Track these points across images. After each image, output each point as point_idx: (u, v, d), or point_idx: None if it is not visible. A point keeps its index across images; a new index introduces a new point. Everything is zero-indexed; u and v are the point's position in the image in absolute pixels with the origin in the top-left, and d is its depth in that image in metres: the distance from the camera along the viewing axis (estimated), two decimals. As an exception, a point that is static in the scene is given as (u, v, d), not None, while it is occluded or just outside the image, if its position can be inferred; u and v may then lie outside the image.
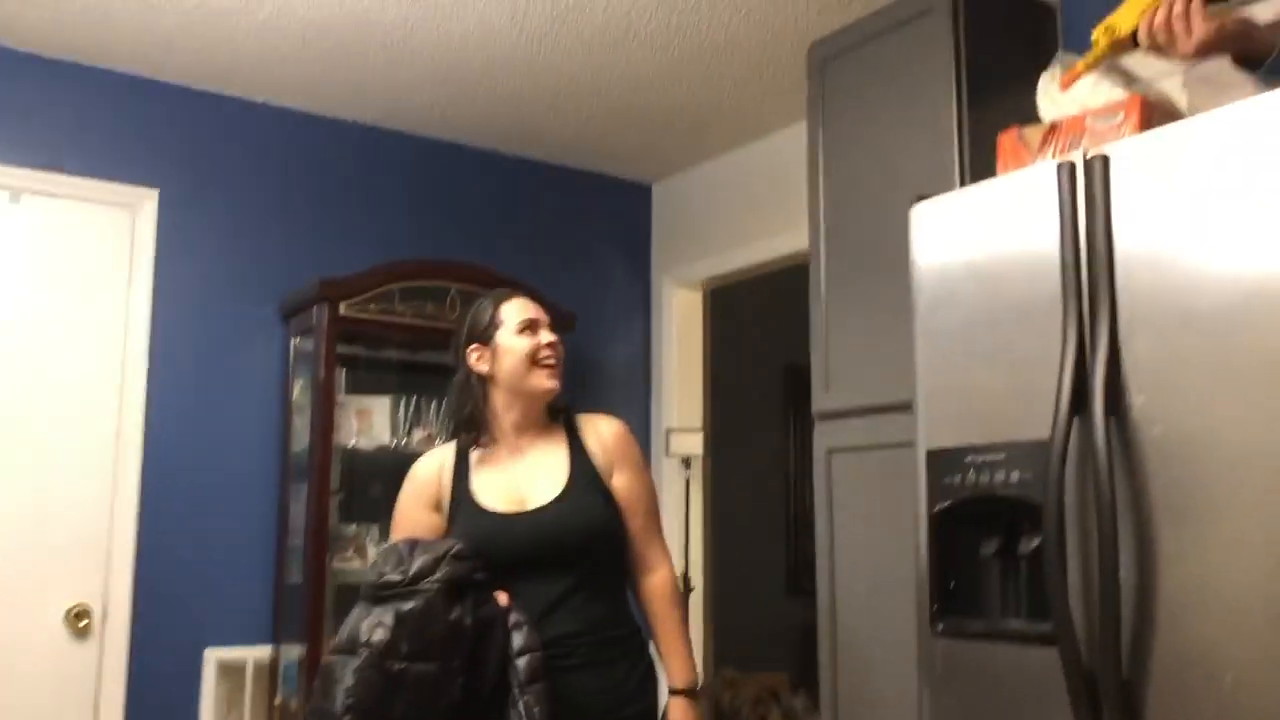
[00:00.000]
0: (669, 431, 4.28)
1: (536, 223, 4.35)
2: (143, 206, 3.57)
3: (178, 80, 3.63)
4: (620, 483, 2.22)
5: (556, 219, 4.40)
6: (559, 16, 3.18)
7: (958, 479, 1.89)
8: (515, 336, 2.24)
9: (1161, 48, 1.81)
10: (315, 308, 3.54)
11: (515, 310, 2.28)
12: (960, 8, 2.48)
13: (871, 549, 2.49)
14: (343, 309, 3.53)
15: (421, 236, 4.02)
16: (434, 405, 3.73)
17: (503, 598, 2.05)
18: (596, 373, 4.37)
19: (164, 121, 3.64)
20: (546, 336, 2.25)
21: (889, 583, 2.37)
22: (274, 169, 3.83)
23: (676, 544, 4.27)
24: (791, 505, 5.54)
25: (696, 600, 4.23)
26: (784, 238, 3.82)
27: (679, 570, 4.17)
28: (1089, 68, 1.95)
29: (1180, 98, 1.96)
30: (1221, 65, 1.91)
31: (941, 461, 1.93)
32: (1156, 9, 1.78)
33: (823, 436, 2.66)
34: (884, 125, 2.61)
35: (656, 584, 2.24)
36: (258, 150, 3.81)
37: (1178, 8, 1.75)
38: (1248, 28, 1.78)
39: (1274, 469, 1.49)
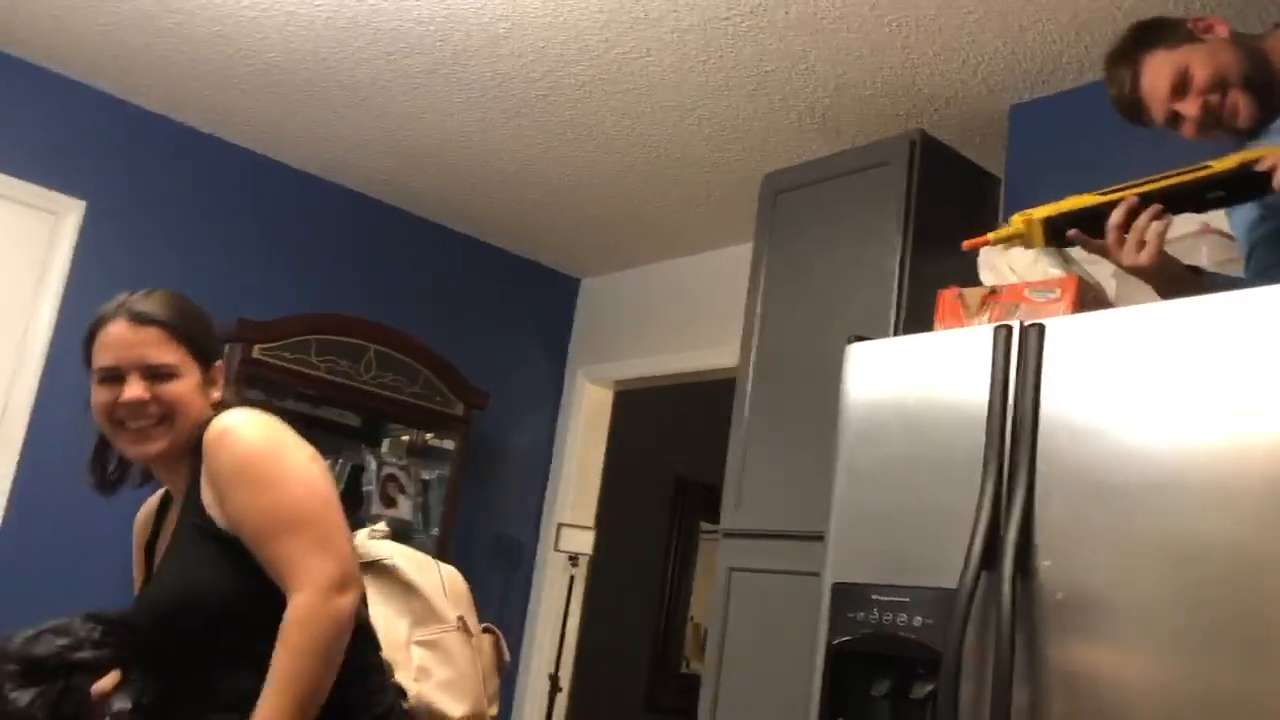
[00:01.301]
0: (560, 526, 4.25)
1: (464, 298, 4.35)
2: (67, 215, 3.47)
3: (129, 97, 3.58)
4: (234, 509, 1.52)
5: (484, 298, 4.41)
6: (526, 105, 3.24)
7: (861, 615, 1.92)
8: (95, 386, 1.61)
9: (1099, 248, 1.80)
10: (228, 347, 3.45)
11: (98, 350, 1.61)
12: (915, 165, 2.61)
13: (760, 672, 2.50)
14: (256, 352, 3.46)
15: (346, 293, 3.98)
16: (329, 464, 3.63)
17: (105, 683, 1.55)
18: (499, 454, 4.34)
19: (104, 136, 3.57)
20: (133, 390, 1.57)
21: (774, 709, 2.37)
22: (210, 202, 3.78)
23: (551, 641, 4.21)
24: (663, 620, 5.51)
25: (562, 702, 4.15)
26: (704, 353, 3.89)
27: (550, 669, 4.11)
28: (997, 241, 1.93)
29: (1109, 284, 2.09)
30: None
31: (847, 596, 1.95)
32: (1115, 208, 1.76)
33: (726, 554, 2.68)
34: (828, 262, 2.71)
35: (287, 615, 1.46)
36: (196, 181, 3.75)
37: (1142, 221, 1.74)
38: (1184, 276, 1.83)
39: (1163, 647, 1.55)
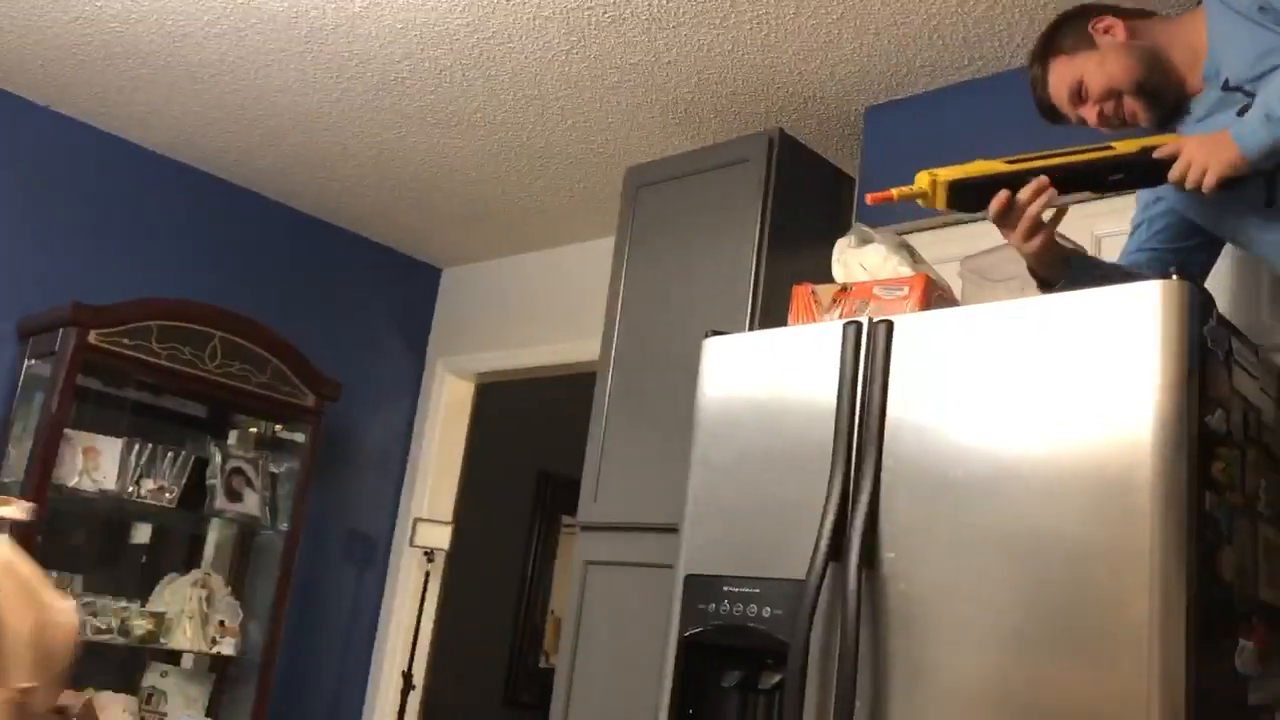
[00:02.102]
0: (417, 521, 4.17)
1: (318, 285, 4.22)
2: (-120, 187, 3.23)
3: (-48, 62, 3.35)
4: None
5: (339, 286, 4.29)
6: (385, 87, 3.16)
7: (712, 607, 1.93)
8: None
9: (999, 223, 1.83)
10: (62, 331, 3.27)
11: None
12: (774, 163, 2.64)
13: (615, 667, 2.49)
14: (93, 337, 3.28)
15: (191, 278, 3.81)
16: (171, 456, 3.49)
17: None
18: (354, 448, 4.23)
19: (-74, 102, 3.34)
20: None
21: (627, 704, 2.37)
22: (44, 179, 3.57)
23: (405, 640, 4.12)
24: (522, 615, 5.47)
25: (414, 701, 4.07)
26: (567, 346, 3.87)
27: (403, 667, 4.02)
28: (901, 197, 1.91)
29: (956, 283, 2.15)
30: (993, 261, 2.11)
31: (698, 588, 1.96)
32: (1020, 179, 1.79)
33: (584, 547, 2.66)
34: (687, 257, 2.72)
35: None
36: (28, 157, 3.54)
37: (1034, 209, 1.78)
38: (1068, 260, 1.88)
39: (1001, 637, 1.60)
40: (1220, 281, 1.77)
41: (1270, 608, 1.67)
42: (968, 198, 1.85)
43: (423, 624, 4.13)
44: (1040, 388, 1.66)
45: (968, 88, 2.69)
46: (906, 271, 2.13)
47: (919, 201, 1.87)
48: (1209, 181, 1.65)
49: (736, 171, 2.69)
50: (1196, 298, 1.61)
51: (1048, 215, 1.81)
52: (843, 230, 2.34)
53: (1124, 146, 1.78)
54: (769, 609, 1.85)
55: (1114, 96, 1.83)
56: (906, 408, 1.80)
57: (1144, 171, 1.76)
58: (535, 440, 5.25)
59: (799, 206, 2.69)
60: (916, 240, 2.35)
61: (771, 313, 2.45)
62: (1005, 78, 2.62)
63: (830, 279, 2.26)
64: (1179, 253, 1.94)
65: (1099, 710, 1.48)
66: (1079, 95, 1.87)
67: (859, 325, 1.90)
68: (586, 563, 2.65)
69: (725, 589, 1.91)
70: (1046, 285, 1.90)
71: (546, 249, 4.22)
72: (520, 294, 4.26)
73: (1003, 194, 1.80)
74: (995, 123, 2.59)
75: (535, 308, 4.16)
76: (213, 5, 2.85)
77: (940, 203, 1.85)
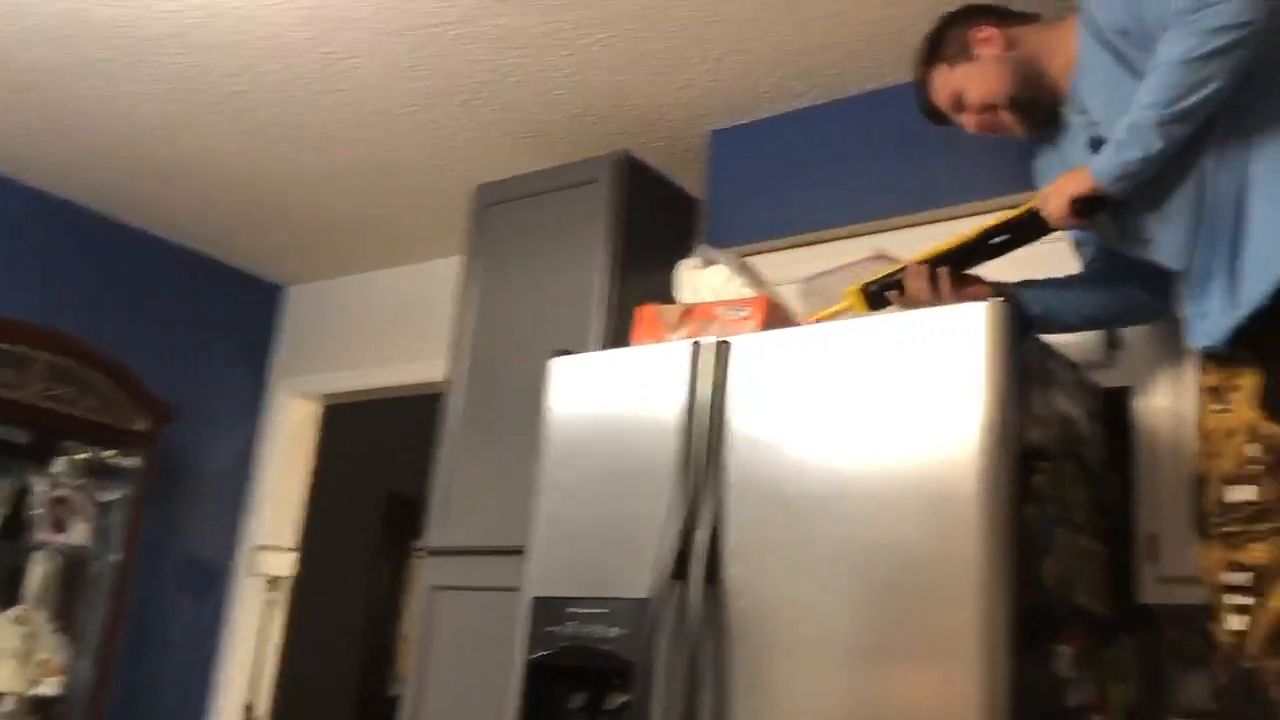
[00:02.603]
0: (258, 548, 4.02)
1: (151, 304, 4.04)
2: None
3: None
4: None
5: (175, 305, 4.11)
6: (223, 100, 3.06)
7: (559, 629, 1.92)
8: None
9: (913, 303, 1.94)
10: None
11: None
12: (622, 185, 2.66)
13: (462, 693, 2.45)
14: (-100, 360, 3.06)
15: (12, 297, 3.60)
16: (-11, 484, 3.28)
17: None
18: (192, 473, 4.06)
19: None
20: None
21: (473, 729, 2.34)
22: None
23: (247, 671, 3.97)
24: (372, 641, 5.35)
25: (257, 733, 3.92)
26: (417, 366, 3.80)
27: (245, 699, 3.87)
28: (833, 315, 2.03)
29: (797, 304, 2.20)
30: (834, 282, 2.17)
31: (545, 610, 1.95)
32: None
33: (430, 572, 2.62)
34: (536, 277, 2.71)
35: None
36: None
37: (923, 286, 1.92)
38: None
39: (840, 650, 1.64)
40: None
41: (1087, 613, 1.76)
42: (879, 299, 1.98)
43: (266, 654, 3.98)
44: (874, 405, 1.72)
45: (810, 113, 2.77)
46: (749, 292, 2.17)
47: (850, 315, 2.01)
48: (1053, 208, 1.73)
49: (585, 192, 2.70)
50: (1018, 318, 1.70)
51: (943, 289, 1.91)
52: (689, 251, 2.37)
53: (1002, 217, 1.87)
54: (615, 629, 1.85)
55: (990, 108, 1.92)
56: (748, 426, 1.84)
57: (1027, 225, 1.84)
58: (385, 463, 5.14)
59: (646, 228, 2.72)
60: (761, 262, 2.41)
61: (620, 333, 2.47)
62: (846, 104, 2.70)
63: (676, 301, 2.29)
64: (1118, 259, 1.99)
65: (932, 715, 1.53)
66: (959, 105, 1.95)
67: (701, 345, 1.93)
68: (433, 588, 2.61)
69: (572, 610, 1.91)
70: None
71: (394, 267, 4.14)
72: (367, 313, 4.17)
73: (894, 293, 1.96)
74: (837, 147, 2.67)
75: (383, 327, 4.08)
76: (31, 11, 2.71)
77: (862, 309, 2.00)
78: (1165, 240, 1.71)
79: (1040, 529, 1.65)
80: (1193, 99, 1.58)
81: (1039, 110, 1.91)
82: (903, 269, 1.95)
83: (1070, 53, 1.84)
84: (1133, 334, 2.10)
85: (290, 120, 3.14)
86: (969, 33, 1.94)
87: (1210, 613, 1.63)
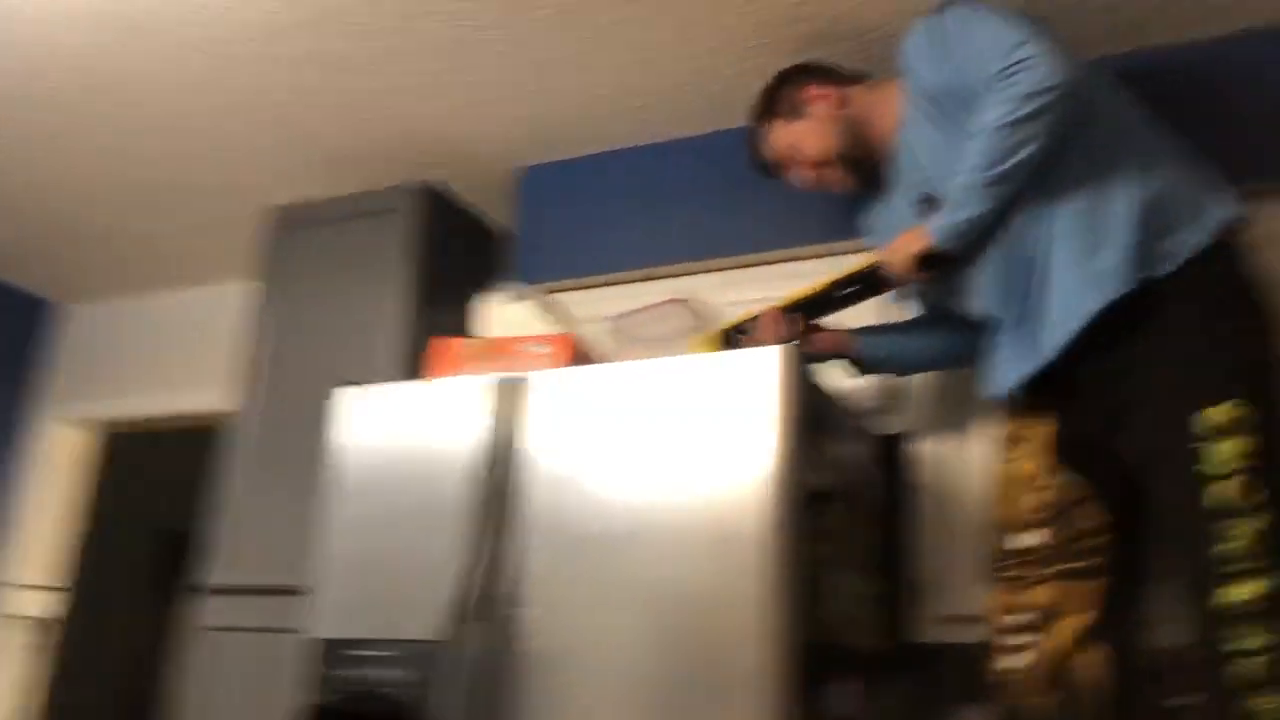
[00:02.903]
0: (14, 587, 3.70)
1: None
2: None
3: None
4: None
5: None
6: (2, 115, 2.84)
7: (340, 672, 1.84)
8: None
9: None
10: None
11: None
12: (423, 215, 2.62)
13: (234, 742, 2.32)
14: None
15: None
16: None
17: None
18: (-62, 506, 3.71)
19: None
20: None
21: (245, 781, 2.21)
22: None
23: (4, 716, 3.64)
24: (143, 683, 5.00)
25: (4, 791, 3.60)
26: (202, 394, 3.60)
27: (-10, 753, 3.54)
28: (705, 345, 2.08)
29: (604, 342, 2.21)
30: (639, 321, 2.19)
31: (326, 652, 1.87)
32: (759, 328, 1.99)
33: (206, 613, 2.47)
34: (332, 306, 2.62)
35: None
36: None
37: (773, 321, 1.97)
38: (845, 342, 2.06)
39: (632, 689, 1.63)
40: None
41: (866, 652, 1.82)
42: (735, 340, 2.03)
43: (23, 699, 3.66)
44: (670, 444, 1.73)
45: (621, 155, 2.79)
46: (551, 329, 2.17)
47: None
48: (896, 266, 1.82)
49: (386, 220, 2.64)
50: (808, 364, 1.75)
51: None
52: (492, 286, 2.35)
53: (850, 270, 1.95)
54: (400, 672, 1.79)
55: (822, 165, 2.00)
56: (546, 464, 1.82)
57: (871, 280, 1.93)
58: (164, 497, 4.84)
59: (448, 260, 2.68)
60: (567, 299, 2.41)
61: (418, 366, 2.41)
62: (656, 149, 2.74)
63: (479, 334, 2.26)
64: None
65: (717, 757, 1.54)
66: (792, 160, 2.04)
67: (500, 380, 1.91)
68: (209, 629, 2.46)
69: (356, 653, 1.84)
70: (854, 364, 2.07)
71: (181, 289, 3.92)
72: (149, 336, 3.93)
73: (747, 338, 1.99)
74: (647, 190, 2.70)
75: (167, 352, 3.85)
76: None
77: (717, 347, 2.04)
78: (980, 291, 1.81)
79: (821, 569, 1.70)
80: (1011, 161, 1.67)
81: (867, 167, 2.00)
82: (757, 316, 2.00)
83: (895, 112, 1.93)
84: (915, 382, 2.20)
85: (69, 129, 2.94)
86: (803, 91, 2.03)
87: (991, 651, 1.72)
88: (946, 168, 1.78)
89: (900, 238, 1.84)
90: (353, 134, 2.85)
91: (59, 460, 3.96)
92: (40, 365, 4.10)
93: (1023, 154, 1.67)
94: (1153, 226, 1.66)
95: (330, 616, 1.91)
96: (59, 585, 3.84)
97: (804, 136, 2.01)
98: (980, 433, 2.09)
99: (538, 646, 1.71)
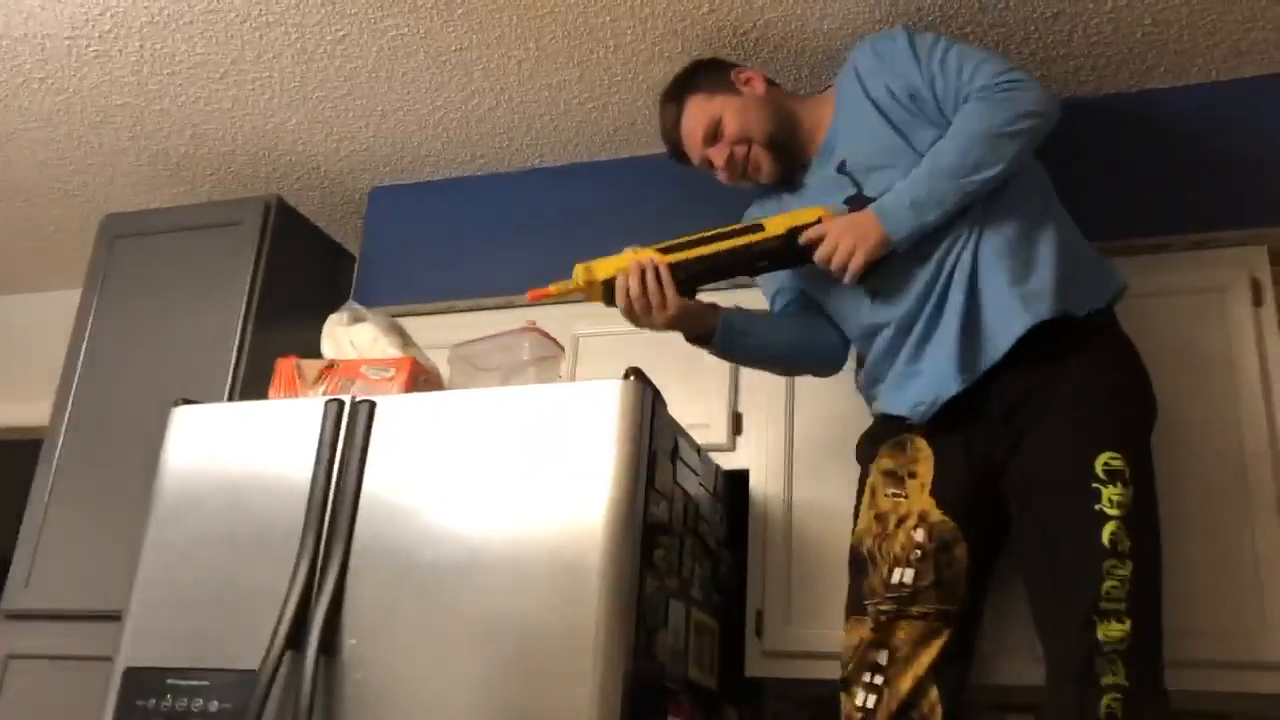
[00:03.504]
0: None
1: None
2: None
3: None
4: None
5: None
6: None
7: (153, 703, 1.76)
8: None
9: (636, 317, 1.79)
10: None
11: None
12: (269, 229, 2.55)
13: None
14: None
15: None
16: None
17: None
18: None
19: None
20: None
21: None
22: None
23: None
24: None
25: None
26: (16, 407, 3.40)
27: None
28: (559, 293, 1.82)
29: (445, 369, 2.18)
30: (481, 350, 2.17)
31: (138, 682, 1.78)
32: (628, 278, 1.76)
33: (9, 639, 2.32)
34: (166, 319, 2.52)
35: None
36: None
37: (649, 279, 1.76)
38: (708, 315, 1.85)
39: (456, 723, 1.60)
40: (675, 383, 1.92)
41: (696, 686, 1.84)
42: (611, 293, 1.80)
43: None
44: (511, 474, 1.72)
45: (472, 181, 2.78)
46: (395, 353, 2.13)
47: (580, 296, 1.81)
48: (857, 263, 1.71)
49: (227, 234, 2.55)
50: (650, 397, 1.77)
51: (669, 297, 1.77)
52: (338, 306, 2.29)
53: (773, 227, 1.80)
54: (217, 703, 1.72)
55: (746, 143, 1.92)
56: (383, 490, 1.78)
57: (792, 254, 1.80)
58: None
59: (293, 277, 2.61)
60: (410, 324, 2.37)
61: (256, 385, 2.33)
62: (508, 177, 2.74)
63: (320, 354, 2.20)
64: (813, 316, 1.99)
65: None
66: (714, 135, 1.93)
67: (340, 403, 1.87)
68: (9, 656, 2.31)
69: (170, 682, 1.76)
70: (701, 341, 1.88)
71: (5, 295, 3.71)
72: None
73: (620, 290, 1.77)
74: (497, 218, 2.69)
75: (-16, 361, 3.63)
76: None
77: (597, 298, 1.81)
78: (894, 299, 1.77)
79: (657, 602, 1.71)
80: (991, 171, 1.70)
81: (789, 158, 1.94)
82: (643, 268, 1.77)
83: (821, 120, 1.93)
84: (753, 419, 2.24)
85: (-116, 119, 2.76)
86: (730, 71, 1.99)
87: (842, 687, 1.73)
88: (887, 168, 1.78)
89: (845, 229, 1.72)
90: (196, 143, 2.75)
91: None
92: None
93: (1000, 167, 1.70)
94: (1069, 269, 1.73)
95: (145, 644, 1.82)
96: None
97: (731, 111, 1.92)
98: (827, 469, 2.11)
99: (360, 679, 1.67)
